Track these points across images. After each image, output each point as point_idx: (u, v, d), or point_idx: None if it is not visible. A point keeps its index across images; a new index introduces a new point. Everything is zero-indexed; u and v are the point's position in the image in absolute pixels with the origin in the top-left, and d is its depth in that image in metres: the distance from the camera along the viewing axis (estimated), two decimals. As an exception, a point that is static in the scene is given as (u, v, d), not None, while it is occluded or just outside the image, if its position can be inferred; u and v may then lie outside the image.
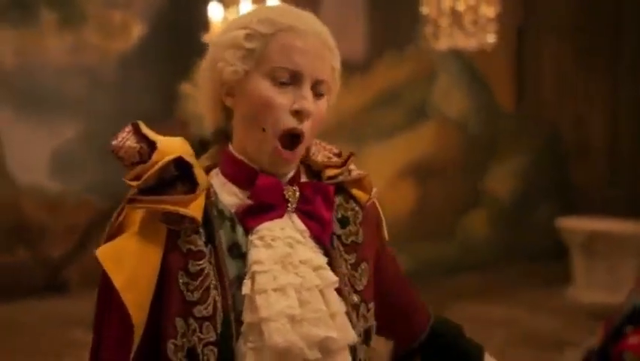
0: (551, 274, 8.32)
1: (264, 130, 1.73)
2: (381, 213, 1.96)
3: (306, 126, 1.73)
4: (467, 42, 5.91)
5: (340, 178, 1.87)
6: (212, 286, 1.71)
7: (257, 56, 1.73)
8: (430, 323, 2.02)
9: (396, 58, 8.89)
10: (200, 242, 1.73)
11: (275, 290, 1.70)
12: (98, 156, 7.24)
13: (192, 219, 1.71)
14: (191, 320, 1.70)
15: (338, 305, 1.75)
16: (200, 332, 1.69)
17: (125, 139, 1.74)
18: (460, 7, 5.85)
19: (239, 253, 1.75)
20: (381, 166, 8.63)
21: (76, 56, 7.84)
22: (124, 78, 8.02)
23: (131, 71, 8.01)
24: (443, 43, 5.98)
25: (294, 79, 1.73)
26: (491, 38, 5.97)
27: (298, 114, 1.72)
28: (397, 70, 8.93)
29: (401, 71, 8.94)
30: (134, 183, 1.71)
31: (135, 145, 1.74)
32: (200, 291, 1.71)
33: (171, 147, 1.74)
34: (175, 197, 1.72)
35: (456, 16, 5.85)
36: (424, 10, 6.00)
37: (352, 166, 1.90)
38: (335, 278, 1.76)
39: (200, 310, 1.70)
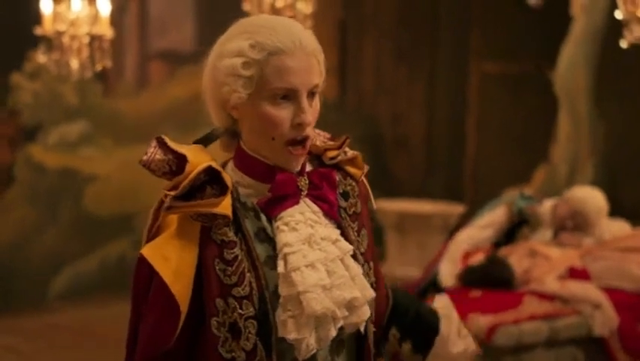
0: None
1: (273, 139, 1.97)
2: (369, 188, 2.23)
3: (308, 130, 1.98)
4: None
5: (339, 158, 2.13)
6: (245, 269, 1.96)
7: (255, 81, 1.94)
8: (391, 293, 2.28)
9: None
10: (230, 233, 1.97)
11: (307, 266, 1.94)
12: None
13: (224, 216, 1.96)
14: (231, 300, 1.94)
15: (356, 269, 2.01)
16: (241, 308, 1.94)
17: (154, 153, 1.99)
18: (279, 4, 6.15)
19: (266, 237, 1.99)
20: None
21: None
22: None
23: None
24: None
25: (291, 95, 1.95)
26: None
27: (300, 126, 1.96)
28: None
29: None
30: (172, 193, 1.93)
31: (164, 158, 1.98)
32: (237, 275, 1.95)
33: (197, 157, 1.98)
34: (206, 200, 1.94)
35: (275, 13, 6.12)
36: (245, 6, 6.23)
37: (347, 148, 2.16)
38: (350, 247, 2.03)
39: (238, 291, 1.94)
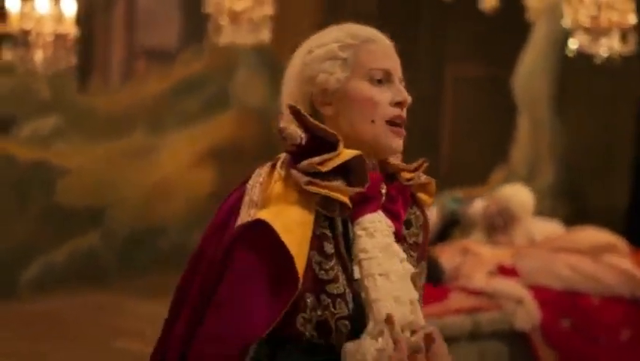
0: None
1: (373, 122, 1.93)
2: (429, 221, 2.13)
3: (404, 113, 1.96)
4: (245, 38, 6.39)
5: (412, 181, 2.03)
6: (339, 268, 1.88)
7: (351, 63, 1.95)
8: None
9: (200, 50, 9.32)
10: (328, 229, 1.90)
11: (380, 275, 1.87)
12: None
13: (347, 208, 1.89)
14: (324, 297, 1.85)
15: (415, 293, 1.92)
16: (334, 307, 1.85)
17: (290, 122, 1.92)
18: (238, 7, 6.31)
19: (348, 240, 1.92)
20: (182, 151, 9.09)
21: None
22: None
23: None
24: (224, 40, 6.43)
25: (386, 78, 1.96)
26: (265, 35, 6.42)
27: (399, 105, 1.95)
28: (201, 61, 9.35)
29: (204, 62, 9.37)
30: (322, 168, 1.86)
31: (298, 130, 1.90)
32: (335, 271, 1.87)
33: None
34: (347, 188, 1.88)
35: (235, 16, 6.28)
36: (207, 8, 6.40)
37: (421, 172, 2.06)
38: (413, 269, 1.95)
39: (333, 288, 1.86)
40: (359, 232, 1.91)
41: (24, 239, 8.25)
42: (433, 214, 5.77)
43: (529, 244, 5.58)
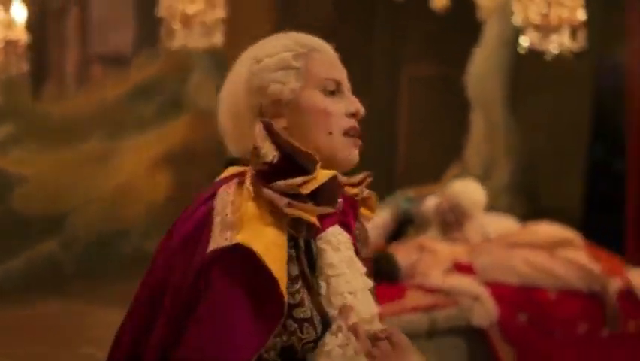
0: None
1: (330, 133, 1.87)
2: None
3: (357, 125, 1.91)
4: (197, 42, 6.37)
5: (358, 196, 1.98)
6: (304, 290, 1.79)
7: (304, 73, 1.88)
8: None
9: (155, 54, 9.29)
10: (293, 249, 1.80)
11: (350, 293, 1.82)
12: None
13: (314, 229, 1.82)
14: (290, 322, 1.75)
15: (375, 308, 1.89)
16: (301, 332, 1.76)
17: (264, 139, 1.81)
18: (190, 10, 6.28)
19: (311, 257, 1.84)
20: (138, 155, 9.03)
21: None
22: None
23: None
24: (177, 43, 6.40)
25: (338, 89, 1.91)
26: (218, 39, 6.40)
27: (354, 116, 1.90)
28: (155, 66, 9.31)
29: (159, 66, 9.32)
30: (303, 190, 1.78)
31: (272, 148, 1.80)
32: (301, 294, 1.78)
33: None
34: (322, 208, 1.81)
35: (187, 19, 6.26)
36: (160, 12, 6.36)
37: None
38: (371, 283, 1.92)
39: (299, 312, 1.76)
40: (323, 246, 1.85)
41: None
42: (386, 214, 5.79)
43: (484, 240, 5.60)
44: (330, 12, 10.66)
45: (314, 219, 1.78)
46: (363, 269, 1.90)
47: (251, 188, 1.80)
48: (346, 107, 1.90)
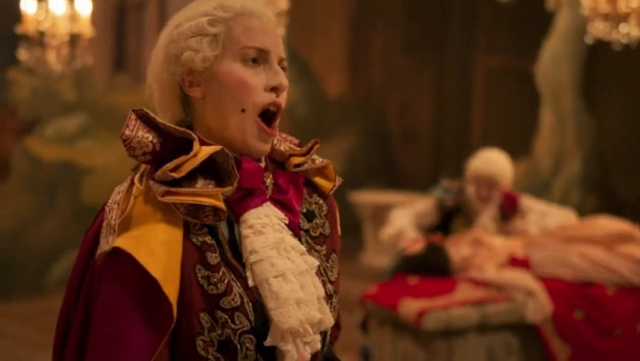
0: (349, 243, 9.02)
1: (243, 111, 1.72)
2: (336, 207, 1.95)
3: (281, 99, 1.76)
4: None
5: (305, 166, 1.84)
6: (230, 276, 1.68)
7: (222, 40, 1.73)
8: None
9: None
10: (208, 236, 1.69)
11: (275, 277, 1.69)
12: None
13: (220, 212, 1.68)
14: (220, 313, 1.65)
15: (321, 289, 1.76)
16: (233, 323, 1.65)
17: (136, 128, 1.69)
18: None
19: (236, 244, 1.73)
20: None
21: None
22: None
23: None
24: None
25: (262, 58, 1.74)
26: (280, 31, 6.42)
27: (275, 90, 1.75)
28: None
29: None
30: (176, 174, 1.66)
31: (147, 135, 1.69)
32: (225, 282, 1.67)
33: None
34: (212, 190, 1.67)
35: None
36: None
37: (315, 155, 1.89)
38: (317, 262, 1.77)
39: (227, 302, 1.66)
40: (245, 232, 1.72)
41: (51, 237, 8.34)
42: (427, 204, 5.69)
43: (541, 234, 5.48)
44: (405, 3, 10.62)
45: (212, 201, 1.66)
46: (302, 249, 1.76)
47: (137, 183, 1.71)
48: (268, 80, 1.75)
